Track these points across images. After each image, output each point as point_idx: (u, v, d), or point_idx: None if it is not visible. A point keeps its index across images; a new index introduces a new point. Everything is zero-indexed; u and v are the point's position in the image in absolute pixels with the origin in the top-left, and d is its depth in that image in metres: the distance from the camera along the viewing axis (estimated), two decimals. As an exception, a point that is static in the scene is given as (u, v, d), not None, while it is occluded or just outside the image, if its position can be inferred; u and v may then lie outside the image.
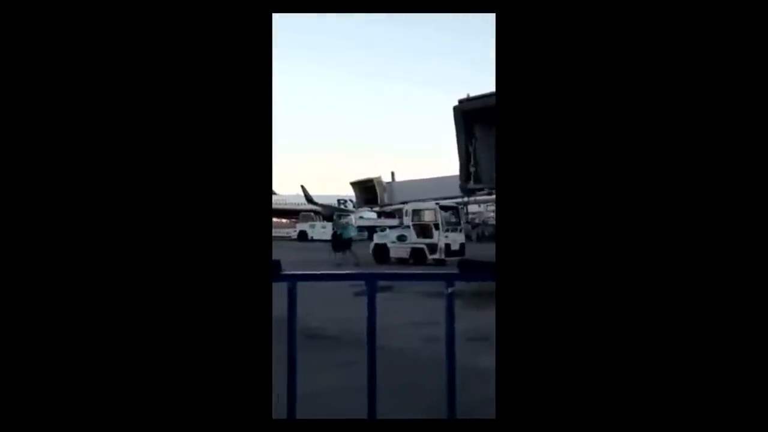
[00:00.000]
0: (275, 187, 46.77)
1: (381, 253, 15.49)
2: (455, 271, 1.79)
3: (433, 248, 14.58)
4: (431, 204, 15.20)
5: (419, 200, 15.93)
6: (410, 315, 6.42)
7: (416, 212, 15.44)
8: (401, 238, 15.31)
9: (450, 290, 1.75)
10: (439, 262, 14.16)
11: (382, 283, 1.90)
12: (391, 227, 16.59)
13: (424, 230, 14.93)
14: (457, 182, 14.79)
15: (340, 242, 15.84)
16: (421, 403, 3.25)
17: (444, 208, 15.14)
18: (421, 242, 14.84)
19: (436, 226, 14.71)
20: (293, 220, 35.40)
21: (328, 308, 6.38)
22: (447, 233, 14.78)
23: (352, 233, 17.41)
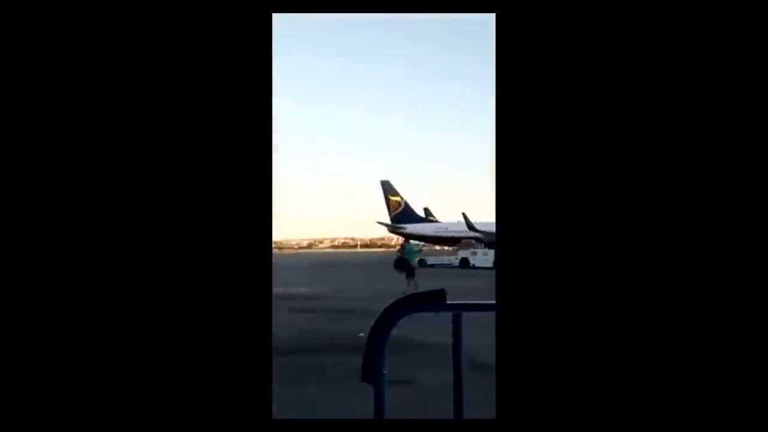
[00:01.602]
0: (437, 215, 47.21)
1: None
2: None
3: None
4: None
5: None
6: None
7: None
8: None
9: None
10: None
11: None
12: None
13: None
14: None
15: (408, 269, 14.95)
16: None
17: None
18: None
19: None
20: (455, 247, 35.25)
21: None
22: None
23: (415, 258, 16.44)
